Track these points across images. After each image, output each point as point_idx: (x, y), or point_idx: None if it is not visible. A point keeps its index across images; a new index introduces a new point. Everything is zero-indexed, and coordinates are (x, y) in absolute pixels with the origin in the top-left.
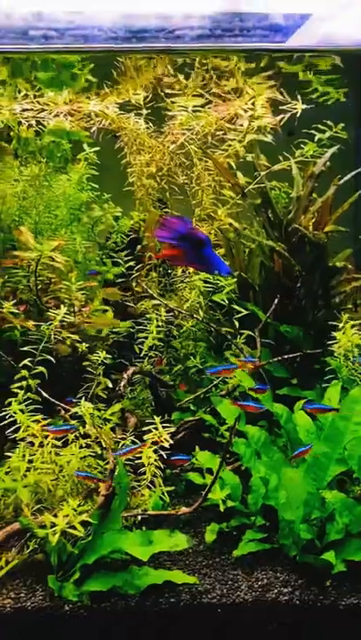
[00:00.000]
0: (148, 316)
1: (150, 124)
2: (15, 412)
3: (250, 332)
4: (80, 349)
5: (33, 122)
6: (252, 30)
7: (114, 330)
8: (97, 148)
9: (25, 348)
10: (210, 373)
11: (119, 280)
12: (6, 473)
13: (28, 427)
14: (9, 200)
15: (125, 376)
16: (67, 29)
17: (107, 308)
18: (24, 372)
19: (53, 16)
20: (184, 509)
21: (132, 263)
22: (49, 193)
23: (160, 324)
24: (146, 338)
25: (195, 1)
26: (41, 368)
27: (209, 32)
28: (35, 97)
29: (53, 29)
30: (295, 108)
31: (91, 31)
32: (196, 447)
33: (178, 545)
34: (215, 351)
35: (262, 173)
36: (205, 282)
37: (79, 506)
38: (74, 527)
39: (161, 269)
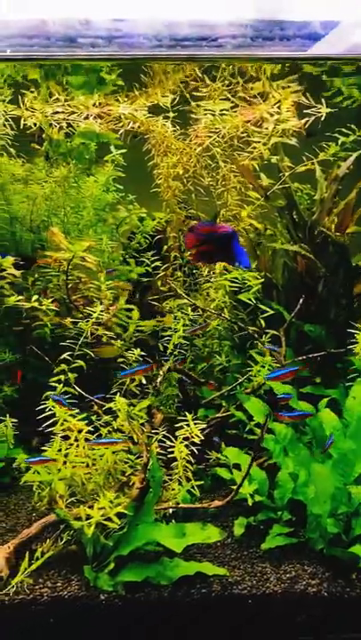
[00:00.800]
0: (173, 314)
1: (177, 127)
2: (53, 406)
3: (275, 332)
4: (116, 346)
5: (64, 124)
6: (291, 39)
7: (138, 328)
8: (123, 150)
9: (64, 344)
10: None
11: (145, 279)
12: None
13: (65, 421)
14: (38, 201)
15: (161, 373)
16: (112, 37)
17: (132, 307)
18: (63, 366)
19: (100, 24)
20: (216, 502)
21: (158, 263)
22: (78, 194)
23: (187, 322)
24: (170, 336)
25: (230, 9)
26: (81, 362)
27: (250, 40)
28: (65, 100)
29: (101, 37)
30: (319, 112)
31: (137, 39)
32: (222, 443)
33: (210, 537)
34: (238, 350)
35: (286, 175)
36: (231, 281)
37: (115, 499)
38: (109, 519)
39: (186, 269)
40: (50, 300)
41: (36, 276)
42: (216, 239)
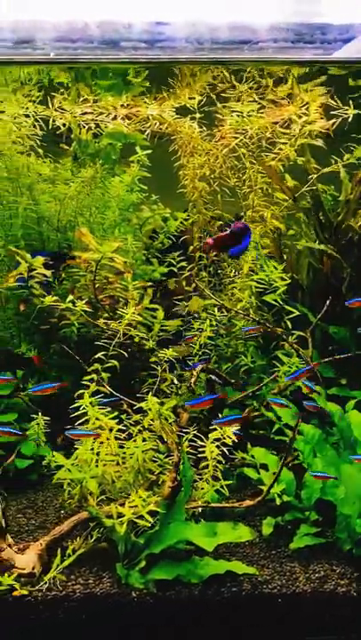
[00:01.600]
0: (200, 314)
1: (204, 128)
2: (85, 405)
3: (301, 333)
4: (147, 346)
5: (92, 125)
6: (332, 42)
7: (163, 328)
8: (149, 151)
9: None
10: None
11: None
12: (73, 464)
13: (97, 419)
14: (65, 201)
15: (195, 373)
16: (156, 41)
17: (157, 306)
18: (97, 366)
19: (141, 27)
20: (247, 502)
21: (183, 263)
22: (104, 194)
23: (214, 323)
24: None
25: (269, 12)
26: (114, 362)
27: (291, 44)
28: (94, 101)
29: (143, 41)
30: (346, 113)
31: (178, 42)
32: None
33: (242, 537)
34: (262, 351)
35: (314, 177)
36: (258, 282)
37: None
38: (140, 517)
39: (211, 269)
40: (83, 302)
41: (63, 275)
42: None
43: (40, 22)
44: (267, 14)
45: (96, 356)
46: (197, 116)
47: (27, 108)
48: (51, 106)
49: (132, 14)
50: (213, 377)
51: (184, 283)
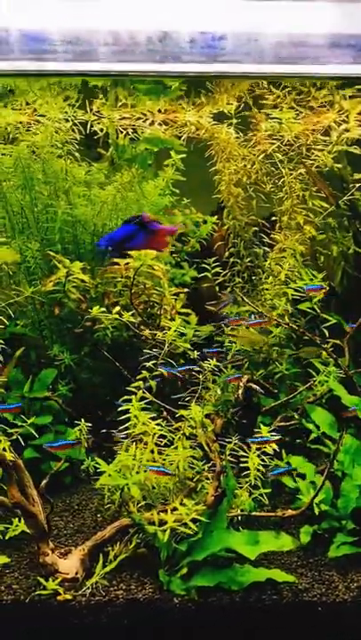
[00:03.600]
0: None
1: (240, 134)
2: (130, 411)
3: (337, 342)
4: (191, 356)
5: (130, 130)
6: None
7: (195, 334)
8: (183, 155)
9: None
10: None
11: (205, 285)
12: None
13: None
14: (101, 205)
15: (241, 384)
16: (216, 55)
17: (190, 311)
18: (145, 373)
19: (181, 36)
20: (290, 512)
21: (218, 269)
22: (138, 199)
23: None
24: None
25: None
26: (162, 370)
27: (352, 60)
28: (132, 106)
29: (203, 54)
30: None
31: (240, 57)
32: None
33: (284, 546)
34: (296, 358)
35: (358, 185)
36: (296, 290)
37: (182, 504)
38: (184, 525)
39: (245, 275)
40: (129, 314)
41: (98, 280)
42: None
43: (98, 33)
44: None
45: (145, 365)
46: (234, 121)
47: (65, 112)
48: (89, 110)
49: (184, 25)
50: (255, 386)
51: (217, 288)
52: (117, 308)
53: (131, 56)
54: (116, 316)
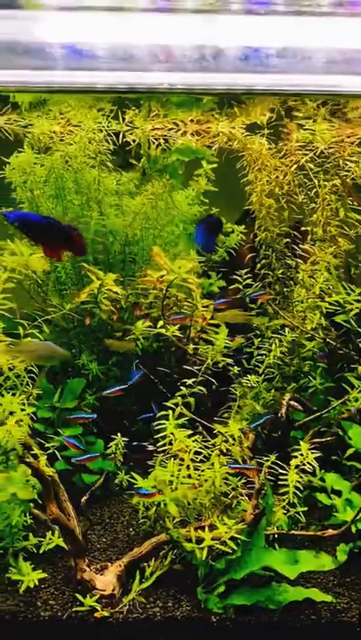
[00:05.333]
0: (267, 333)
1: (273, 145)
2: (166, 427)
3: None
4: (232, 372)
5: (162, 140)
6: None
7: (226, 345)
8: (214, 165)
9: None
10: None
11: (237, 296)
12: (153, 487)
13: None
14: (133, 215)
15: (285, 403)
16: (268, 71)
17: (220, 323)
18: (184, 390)
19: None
20: (330, 531)
21: (249, 280)
22: (169, 209)
23: (284, 342)
24: (264, 355)
25: None
26: (201, 389)
27: None
28: (164, 116)
29: (257, 72)
30: None
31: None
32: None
33: (324, 565)
34: (326, 372)
35: None
36: (331, 303)
37: (222, 522)
38: (223, 543)
39: (277, 287)
40: (175, 328)
41: (130, 291)
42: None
43: (150, 49)
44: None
45: (185, 382)
46: (266, 131)
47: (99, 122)
48: (121, 121)
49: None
50: (295, 403)
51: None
52: (161, 322)
53: (183, 71)
54: (162, 330)
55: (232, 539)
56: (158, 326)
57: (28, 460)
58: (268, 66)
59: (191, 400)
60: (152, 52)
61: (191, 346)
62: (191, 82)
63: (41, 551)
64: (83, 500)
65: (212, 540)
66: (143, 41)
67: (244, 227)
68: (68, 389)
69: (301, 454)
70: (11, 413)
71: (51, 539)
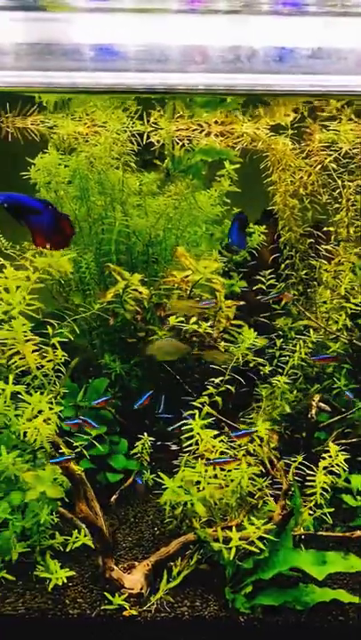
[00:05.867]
0: (290, 334)
1: (297, 145)
2: (193, 427)
3: None
4: (263, 372)
5: (186, 141)
6: None
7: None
8: (237, 165)
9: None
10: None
11: (259, 297)
12: (179, 486)
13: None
14: (156, 216)
15: (314, 404)
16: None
17: (242, 322)
18: (211, 389)
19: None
20: (359, 532)
21: (272, 281)
22: (192, 210)
23: (308, 343)
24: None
25: None
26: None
27: None
28: (189, 117)
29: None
30: None
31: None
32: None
33: (353, 567)
34: (349, 373)
35: None
36: (356, 305)
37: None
38: (251, 543)
39: (300, 287)
40: (207, 324)
41: (153, 291)
42: None
43: (185, 49)
44: None
45: (212, 381)
46: (290, 132)
47: (124, 123)
48: (146, 122)
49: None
50: (324, 405)
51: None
52: (194, 319)
53: (217, 72)
54: (195, 327)
55: (260, 539)
56: (191, 322)
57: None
58: (302, 66)
59: (219, 399)
60: (186, 53)
61: (223, 344)
62: (226, 83)
63: (67, 549)
64: (112, 498)
65: (242, 540)
66: (177, 42)
67: (264, 227)
68: (92, 388)
69: (330, 456)
70: (39, 412)
71: (77, 537)
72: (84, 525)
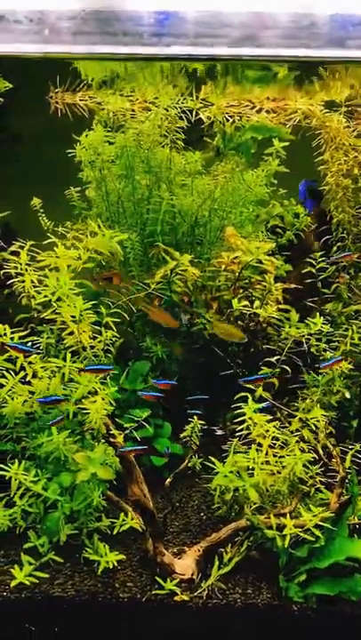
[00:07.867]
0: (340, 319)
1: (351, 123)
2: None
3: None
4: (323, 357)
5: (237, 118)
6: None
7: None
8: (286, 143)
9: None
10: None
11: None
12: (231, 472)
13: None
14: (206, 195)
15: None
16: None
17: (289, 307)
18: (266, 370)
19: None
20: None
21: (323, 264)
22: (240, 190)
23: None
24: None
25: None
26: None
27: None
28: (241, 93)
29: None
30: None
31: None
32: None
33: None
34: None
35: None
36: None
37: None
38: (306, 530)
39: (352, 271)
40: (275, 308)
41: (200, 272)
42: None
43: (260, 15)
44: None
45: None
46: (343, 109)
47: (172, 99)
48: (195, 98)
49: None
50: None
51: (320, 284)
52: (258, 303)
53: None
54: (259, 311)
55: (317, 527)
56: (255, 306)
57: (111, 440)
58: None
59: (275, 380)
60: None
61: (271, 329)
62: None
63: (114, 532)
64: (167, 482)
65: (297, 528)
66: (241, 8)
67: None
68: (134, 371)
69: None
70: (91, 393)
71: (124, 520)
72: (130, 509)
